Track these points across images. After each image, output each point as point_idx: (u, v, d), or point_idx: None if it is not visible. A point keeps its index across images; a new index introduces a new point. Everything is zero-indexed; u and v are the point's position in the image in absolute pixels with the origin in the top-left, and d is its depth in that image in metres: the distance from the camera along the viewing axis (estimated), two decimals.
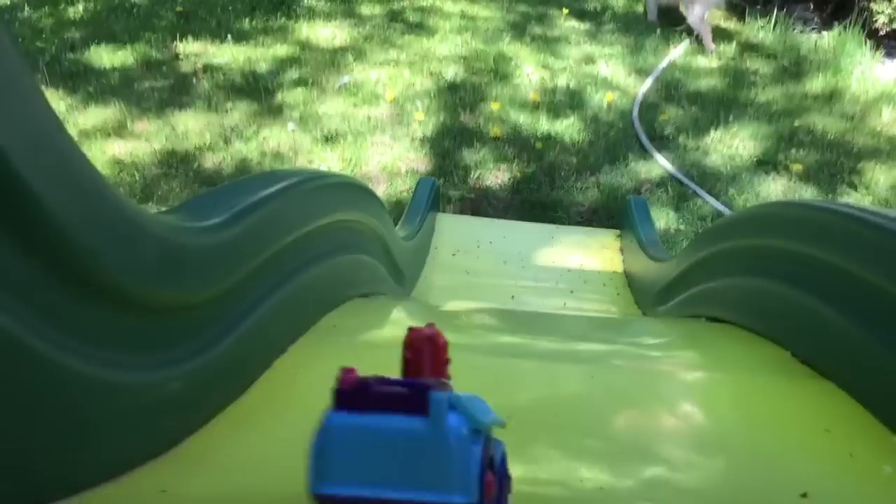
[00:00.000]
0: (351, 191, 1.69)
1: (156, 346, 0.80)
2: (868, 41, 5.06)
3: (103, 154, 3.91)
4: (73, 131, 3.97)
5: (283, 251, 1.15)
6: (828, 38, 5.25)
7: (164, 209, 1.45)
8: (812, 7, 5.64)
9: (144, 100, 4.40)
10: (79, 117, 4.19)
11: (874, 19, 4.90)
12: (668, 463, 0.97)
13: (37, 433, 0.64)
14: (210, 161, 3.95)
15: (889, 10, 4.78)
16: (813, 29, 5.44)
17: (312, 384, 1.10)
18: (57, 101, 4.27)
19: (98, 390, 0.70)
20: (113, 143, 4.03)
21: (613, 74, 4.96)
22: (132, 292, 0.73)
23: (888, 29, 4.88)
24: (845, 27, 5.14)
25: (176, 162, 3.90)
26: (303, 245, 1.25)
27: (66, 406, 0.65)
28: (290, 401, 1.04)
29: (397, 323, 1.66)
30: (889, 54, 5.11)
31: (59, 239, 0.62)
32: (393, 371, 1.18)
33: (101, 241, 0.67)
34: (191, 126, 4.19)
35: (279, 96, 4.53)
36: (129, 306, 0.74)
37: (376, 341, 1.41)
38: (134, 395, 0.76)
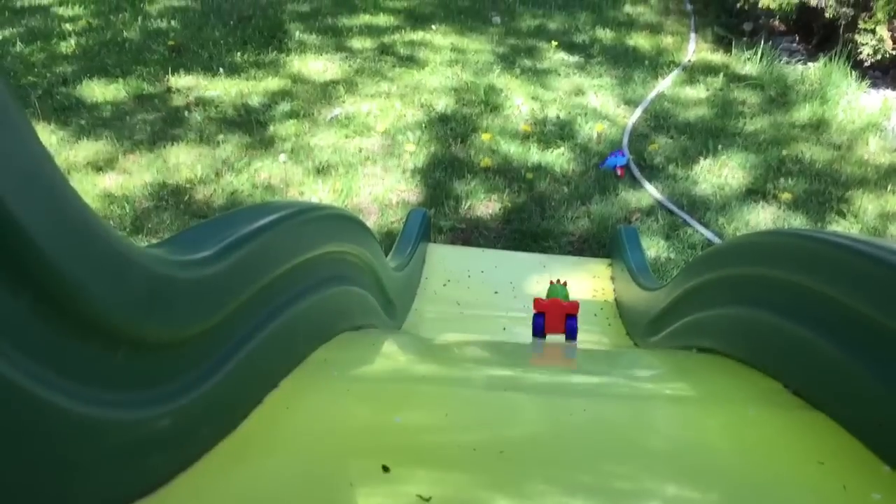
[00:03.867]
0: (342, 223, 1.69)
1: (144, 382, 0.79)
2: (853, 72, 5.12)
3: (94, 187, 3.91)
4: (64, 165, 3.99)
5: (274, 284, 1.15)
6: (814, 69, 5.32)
7: (154, 242, 1.45)
8: (798, 39, 5.70)
9: (136, 133, 4.41)
10: (70, 151, 4.19)
11: (859, 50, 4.96)
12: (661, 497, 0.97)
13: (21, 474, 0.63)
14: (201, 193, 3.96)
15: (873, 42, 4.84)
16: (799, 60, 5.51)
17: (304, 420, 1.09)
18: (48, 134, 4.28)
19: (85, 429, 0.69)
20: (104, 176, 4.03)
21: (603, 105, 5.00)
22: (121, 327, 0.73)
23: (872, 60, 4.94)
24: (831, 58, 5.20)
25: (167, 195, 3.91)
26: (293, 278, 1.25)
27: (53, 445, 0.65)
28: (281, 438, 1.03)
29: (388, 356, 1.65)
30: (874, 84, 5.17)
31: (48, 274, 0.62)
32: (382, 403, 1.17)
33: (89, 276, 0.67)
34: (182, 159, 4.20)
35: (271, 129, 4.55)
36: (117, 342, 0.73)
37: (368, 375, 1.40)
38: (122, 433, 0.75)
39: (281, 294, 1.19)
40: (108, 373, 0.73)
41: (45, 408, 0.63)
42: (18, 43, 5.44)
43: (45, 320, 0.63)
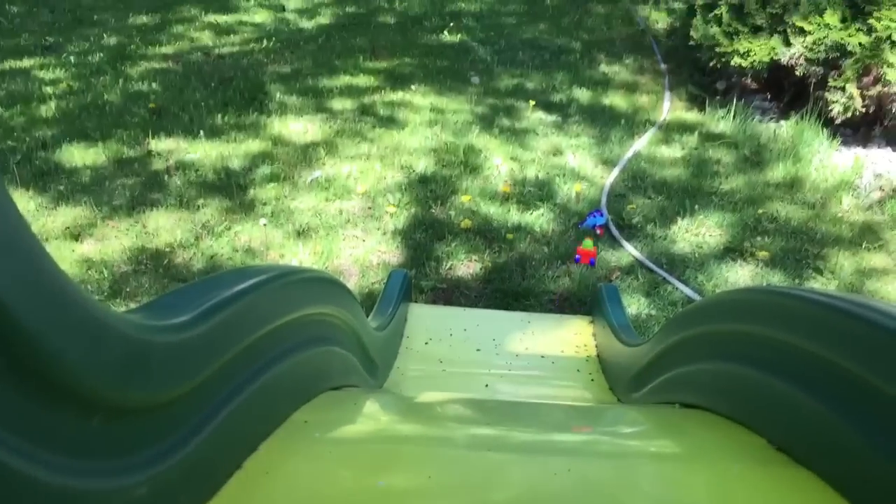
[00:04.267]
0: (322, 285, 1.68)
1: (121, 449, 0.78)
2: (824, 129, 5.22)
3: (72, 253, 3.88)
4: (42, 231, 3.97)
5: (253, 348, 1.14)
6: (786, 128, 5.42)
7: (132, 307, 1.43)
8: (769, 97, 5.83)
9: (115, 198, 4.41)
10: (48, 217, 4.17)
11: (829, 109, 5.07)
12: None
13: None
14: (181, 258, 3.94)
15: (843, 99, 4.95)
16: (771, 118, 5.62)
17: (285, 486, 1.08)
18: (27, 200, 4.27)
19: (62, 499, 0.67)
20: (83, 241, 4.01)
21: (581, 165, 5.06)
22: (98, 395, 0.72)
23: (843, 118, 5.05)
24: (802, 116, 5.31)
25: (146, 259, 3.89)
26: (273, 340, 1.24)
27: None
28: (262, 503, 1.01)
29: (370, 416, 1.64)
30: (845, 142, 5.27)
31: (23, 342, 0.61)
32: (364, 466, 1.16)
33: (65, 343, 0.66)
34: (161, 223, 4.19)
35: (251, 192, 4.56)
36: (93, 408, 0.72)
37: (349, 436, 1.39)
38: (98, 503, 0.74)
39: (261, 357, 1.18)
40: (84, 440, 0.72)
41: (18, 478, 0.62)
42: None
43: (19, 388, 0.62)
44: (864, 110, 4.99)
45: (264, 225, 4.24)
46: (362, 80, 6.23)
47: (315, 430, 1.29)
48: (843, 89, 4.94)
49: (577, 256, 4.12)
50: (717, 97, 5.93)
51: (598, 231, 4.33)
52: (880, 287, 4.00)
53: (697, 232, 4.39)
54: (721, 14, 5.39)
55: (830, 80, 4.99)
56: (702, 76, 6.20)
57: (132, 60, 6.50)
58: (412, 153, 5.07)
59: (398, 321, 3.03)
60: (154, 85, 5.94)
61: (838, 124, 5.18)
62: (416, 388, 2.68)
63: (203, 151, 4.92)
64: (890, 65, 4.66)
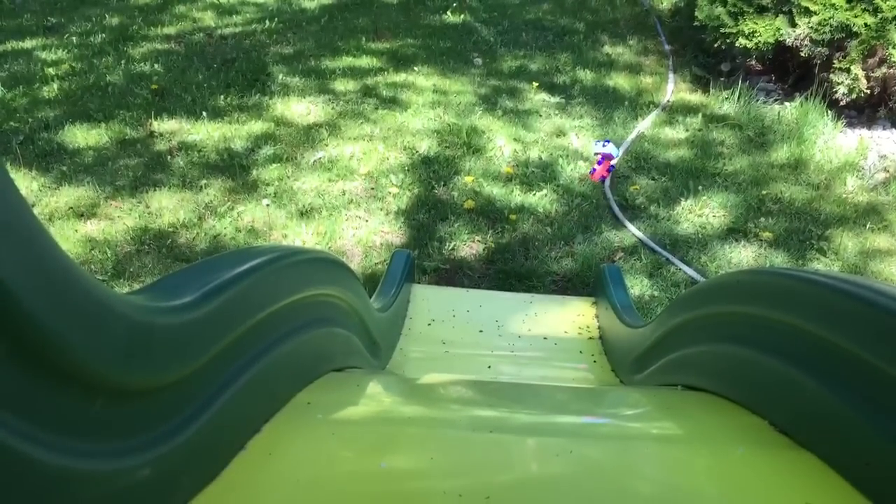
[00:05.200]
0: (325, 266, 1.68)
1: (124, 431, 0.78)
2: (829, 111, 5.19)
3: (75, 233, 3.89)
4: (45, 212, 3.97)
5: (256, 328, 1.14)
6: (790, 109, 5.39)
7: (135, 287, 1.43)
8: (774, 78, 5.79)
9: (118, 178, 4.40)
10: (52, 197, 4.17)
11: (834, 90, 5.04)
12: None
13: None
14: (184, 238, 3.94)
15: (848, 81, 4.92)
16: (776, 100, 5.59)
17: (288, 467, 1.08)
18: (30, 180, 4.27)
19: (62, 481, 0.68)
20: (86, 221, 4.01)
21: (584, 146, 5.05)
22: (100, 376, 0.72)
23: (848, 99, 5.02)
24: (807, 98, 5.28)
25: (149, 239, 3.89)
26: (276, 321, 1.24)
27: (30, 499, 0.63)
28: (264, 486, 1.02)
29: (373, 398, 1.64)
30: (850, 124, 5.25)
31: (25, 324, 0.61)
32: (367, 447, 1.16)
33: (67, 325, 0.66)
34: (165, 203, 4.19)
35: (254, 173, 4.55)
36: (95, 391, 0.72)
37: (352, 418, 1.39)
38: (100, 485, 0.74)
39: (263, 338, 1.19)
40: (86, 422, 0.72)
41: (21, 460, 0.62)
42: (0, 88, 5.44)
43: (22, 370, 0.62)
44: (868, 92, 4.96)
45: (267, 205, 4.24)
46: (365, 62, 6.20)
47: (318, 411, 1.29)
48: (848, 70, 4.91)
49: (593, 169, 4.66)
50: (722, 79, 5.90)
51: (599, 173, 4.62)
52: (884, 268, 4.00)
53: (701, 213, 4.39)
54: None
55: (835, 61, 4.96)
56: (706, 57, 6.16)
57: (134, 41, 6.47)
58: (415, 134, 5.05)
59: (401, 302, 3.03)
60: (156, 66, 5.91)
61: (843, 106, 5.15)
62: (419, 369, 2.69)
63: (206, 132, 4.91)
64: (895, 46, 4.63)
